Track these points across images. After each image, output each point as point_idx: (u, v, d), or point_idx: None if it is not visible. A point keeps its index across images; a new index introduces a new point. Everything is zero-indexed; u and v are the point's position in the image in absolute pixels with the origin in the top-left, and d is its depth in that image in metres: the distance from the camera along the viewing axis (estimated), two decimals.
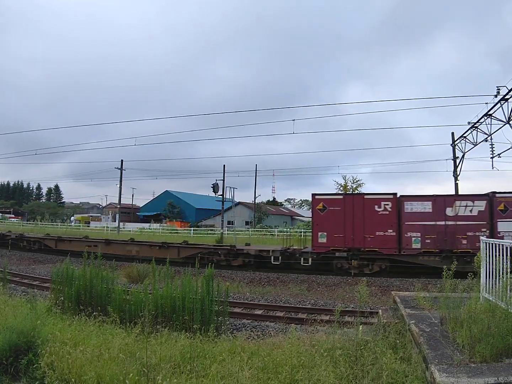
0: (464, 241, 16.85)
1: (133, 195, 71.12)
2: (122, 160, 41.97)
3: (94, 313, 7.80)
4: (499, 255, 5.53)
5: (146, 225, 54.45)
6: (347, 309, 11.12)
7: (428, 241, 17.37)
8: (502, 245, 5.57)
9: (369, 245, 17.92)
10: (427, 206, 17.54)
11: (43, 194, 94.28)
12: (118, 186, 42.14)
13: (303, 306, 12.24)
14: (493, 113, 19.24)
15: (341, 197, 19.59)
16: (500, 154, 20.74)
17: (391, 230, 17.73)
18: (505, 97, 17.56)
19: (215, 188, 34.28)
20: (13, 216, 72.84)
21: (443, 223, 17.34)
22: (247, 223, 59.15)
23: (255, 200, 54.55)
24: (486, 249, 6.04)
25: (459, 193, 23.65)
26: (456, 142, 25.39)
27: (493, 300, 5.49)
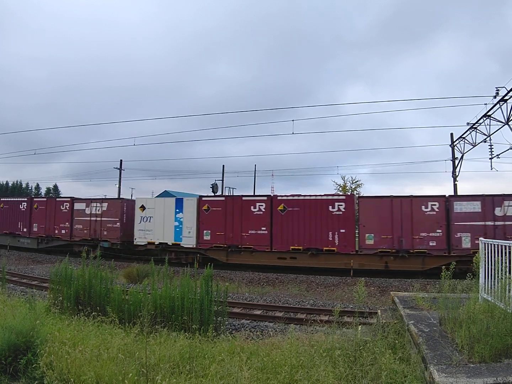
0: None
1: (132, 195, 71.05)
2: (121, 160, 41.91)
3: (93, 313, 7.78)
4: (498, 255, 5.54)
5: None
6: (346, 309, 11.13)
7: None
8: (501, 245, 5.58)
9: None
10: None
11: (42, 194, 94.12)
12: (117, 186, 42.09)
13: (302, 307, 12.25)
14: (492, 114, 19.25)
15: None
16: (499, 155, 20.75)
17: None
18: (504, 98, 17.57)
19: (214, 188, 34.29)
20: None
21: None
22: None
23: None
24: (484, 249, 6.04)
25: (458, 193, 23.66)
26: (455, 143, 25.41)
27: (492, 301, 5.50)
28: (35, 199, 27.39)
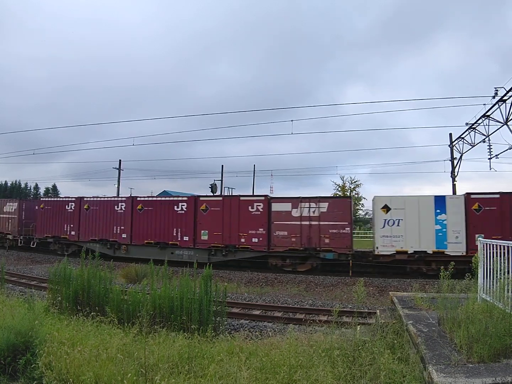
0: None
1: (131, 195, 70.95)
2: (120, 160, 41.89)
3: (92, 313, 7.78)
4: (496, 255, 5.55)
5: None
6: (345, 309, 11.14)
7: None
8: (500, 245, 5.59)
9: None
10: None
11: (41, 194, 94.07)
12: (116, 186, 42.05)
13: (301, 307, 12.25)
14: (491, 114, 19.28)
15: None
16: (498, 155, 20.79)
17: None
18: (503, 98, 17.60)
19: (213, 188, 34.29)
20: None
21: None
22: None
23: None
24: (483, 249, 6.06)
25: (457, 193, 23.68)
26: (454, 143, 25.44)
27: (491, 301, 5.52)
28: (201, 198, 21.23)
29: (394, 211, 17.86)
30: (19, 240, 26.90)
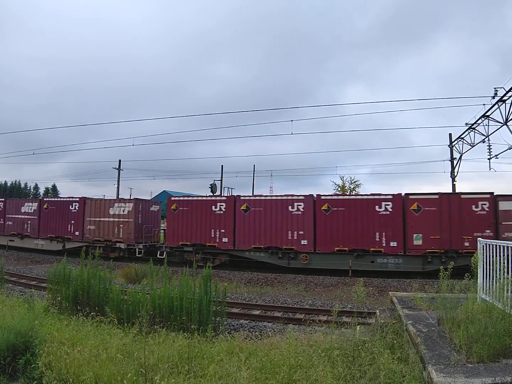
0: None
1: (130, 195, 70.89)
2: (120, 160, 41.86)
3: (92, 313, 7.80)
4: (496, 255, 5.55)
5: None
6: (344, 309, 11.15)
7: None
8: (499, 245, 5.59)
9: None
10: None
11: (41, 194, 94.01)
12: (116, 186, 42.00)
13: (301, 307, 12.26)
14: (490, 114, 19.29)
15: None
16: (497, 155, 20.82)
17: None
18: (503, 99, 17.60)
19: (213, 188, 34.28)
20: None
21: None
22: None
23: None
24: (483, 249, 6.06)
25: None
26: (453, 143, 25.44)
27: (490, 301, 5.52)
28: (411, 197, 18.03)
29: None
30: (136, 250, 21.78)
